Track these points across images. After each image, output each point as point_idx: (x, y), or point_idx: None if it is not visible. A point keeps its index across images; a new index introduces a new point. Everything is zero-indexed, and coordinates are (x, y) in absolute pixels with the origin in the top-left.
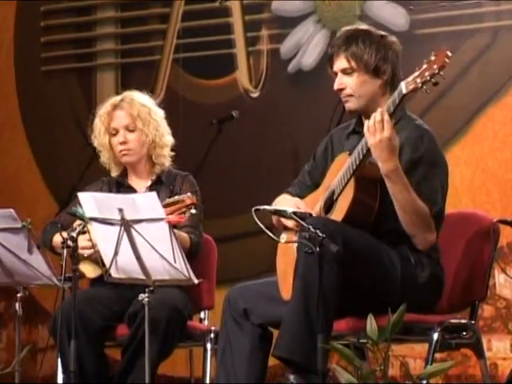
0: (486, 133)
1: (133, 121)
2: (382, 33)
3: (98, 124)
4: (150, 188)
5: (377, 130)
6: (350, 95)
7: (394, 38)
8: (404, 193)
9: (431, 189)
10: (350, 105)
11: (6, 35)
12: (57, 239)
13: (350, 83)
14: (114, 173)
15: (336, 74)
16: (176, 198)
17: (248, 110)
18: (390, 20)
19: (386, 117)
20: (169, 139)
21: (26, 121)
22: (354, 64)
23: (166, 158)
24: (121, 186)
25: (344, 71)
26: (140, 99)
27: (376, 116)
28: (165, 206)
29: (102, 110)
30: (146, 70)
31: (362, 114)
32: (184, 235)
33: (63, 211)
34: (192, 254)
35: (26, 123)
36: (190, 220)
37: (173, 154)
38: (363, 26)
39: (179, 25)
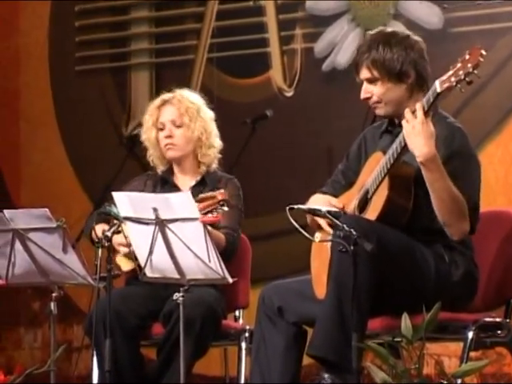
0: None
1: (180, 116)
2: (406, 33)
3: (147, 118)
4: (194, 188)
5: (410, 119)
6: (378, 102)
7: (417, 38)
8: (441, 181)
9: (467, 182)
10: (379, 111)
11: (41, 35)
12: (98, 230)
13: (375, 91)
14: (160, 169)
15: (362, 81)
16: (209, 193)
17: (282, 108)
18: (424, 18)
19: (420, 109)
20: (217, 141)
21: (60, 120)
22: (376, 73)
23: (211, 158)
24: (166, 182)
25: (368, 80)
26: (190, 97)
27: (411, 109)
28: (197, 201)
29: (152, 106)
30: (180, 70)
31: (394, 117)
32: (220, 235)
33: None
34: (227, 254)
35: (61, 122)
36: (229, 220)
37: (220, 156)
38: (389, 28)
39: (213, 24)
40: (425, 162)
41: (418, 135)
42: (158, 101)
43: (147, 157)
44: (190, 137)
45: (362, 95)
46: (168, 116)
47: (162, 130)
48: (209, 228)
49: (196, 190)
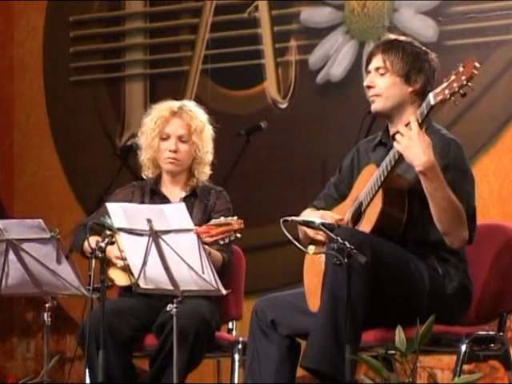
0: None
1: (188, 133)
2: (425, 48)
3: (152, 125)
4: (185, 199)
5: (405, 133)
6: (378, 95)
7: (434, 56)
8: (441, 189)
9: (464, 192)
10: (377, 105)
11: (36, 45)
12: (87, 245)
13: (380, 83)
14: (149, 174)
15: (370, 72)
16: (223, 219)
17: (276, 120)
18: (419, 31)
19: (414, 121)
20: (210, 158)
21: (54, 130)
22: (388, 65)
23: (206, 175)
24: (154, 193)
25: (377, 70)
26: (198, 113)
27: (406, 119)
28: (212, 226)
29: (159, 113)
30: (175, 81)
31: (387, 119)
32: (216, 253)
33: (94, 214)
34: (223, 271)
35: (55, 132)
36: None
37: (211, 172)
38: (409, 38)
39: (208, 35)
40: (424, 170)
41: (415, 145)
42: (165, 109)
43: (138, 157)
44: (193, 154)
45: (366, 83)
46: (176, 129)
47: (165, 140)
48: (207, 248)
49: (187, 202)
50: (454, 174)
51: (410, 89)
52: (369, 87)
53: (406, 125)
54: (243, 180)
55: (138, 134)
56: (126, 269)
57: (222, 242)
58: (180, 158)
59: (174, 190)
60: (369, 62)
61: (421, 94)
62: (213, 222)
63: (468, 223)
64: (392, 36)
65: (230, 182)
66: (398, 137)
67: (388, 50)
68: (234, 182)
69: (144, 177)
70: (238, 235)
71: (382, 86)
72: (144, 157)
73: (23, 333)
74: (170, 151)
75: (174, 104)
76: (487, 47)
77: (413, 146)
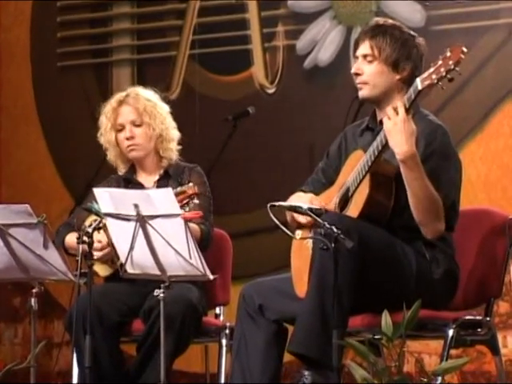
0: (501, 129)
1: (139, 115)
2: (412, 33)
3: (104, 121)
4: (159, 182)
5: (392, 116)
6: (365, 82)
7: (421, 40)
8: (419, 180)
9: (444, 181)
10: (364, 92)
11: (23, 31)
12: (70, 239)
13: (367, 70)
14: (122, 170)
15: (357, 58)
16: (179, 189)
17: (264, 105)
18: (406, 16)
19: (401, 106)
20: (175, 133)
21: (42, 116)
22: (376, 52)
23: (173, 151)
24: (129, 182)
25: (365, 57)
26: (145, 94)
27: (393, 105)
28: None
29: (108, 107)
30: (162, 66)
31: (375, 105)
32: (194, 226)
33: (75, 211)
34: (203, 244)
35: (42, 118)
36: (199, 209)
37: (179, 147)
38: (397, 22)
39: (195, 20)
40: (404, 159)
41: (399, 133)
42: (113, 102)
43: (107, 158)
44: (151, 134)
45: (353, 70)
46: (127, 116)
47: (121, 131)
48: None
49: (161, 184)
50: (438, 162)
51: (398, 76)
52: (356, 74)
53: (395, 109)
54: (230, 165)
55: (98, 135)
56: (104, 259)
57: (183, 211)
58: (139, 142)
59: (147, 177)
60: (356, 47)
61: (408, 81)
62: None
63: (446, 214)
64: (380, 20)
65: (218, 167)
66: (384, 119)
67: (376, 36)
68: (221, 168)
69: (119, 173)
70: (196, 201)
71: (370, 73)
72: (110, 155)
73: (10, 318)
74: (127, 139)
75: (121, 94)
76: (475, 32)
77: (396, 133)
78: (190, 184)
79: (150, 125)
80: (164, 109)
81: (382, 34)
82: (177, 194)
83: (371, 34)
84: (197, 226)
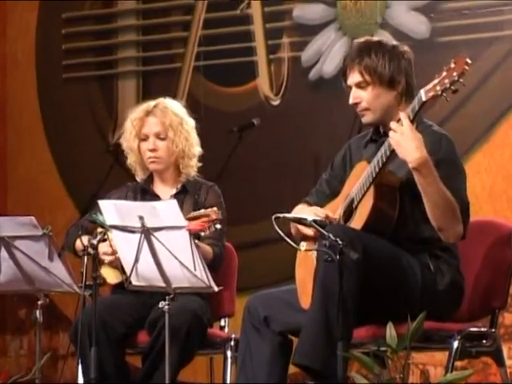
0: (507, 140)
1: (164, 129)
2: (394, 43)
3: (129, 127)
4: (175, 196)
5: (397, 128)
6: (366, 109)
7: (405, 47)
8: (434, 185)
9: (457, 187)
10: (367, 118)
11: (28, 42)
12: (79, 243)
13: (365, 97)
14: (140, 176)
15: (350, 87)
16: (202, 211)
17: (269, 117)
18: (411, 28)
19: (405, 117)
20: (197, 149)
21: (47, 127)
22: (367, 77)
23: (192, 168)
24: (146, 192)
25: (358, 85)
26: (173, 108)
27: (392, 123)
28: (190, 219)
29: (135, 115)
30: (167, 78)
31: (380, 124)
32: (206, 247)
33: (87, 214)
34: (214, 266)
35: (48, 130)
36: (213, 232)
37: (200, 164)
38: (375, 38)
39: (200, 32)
40: (418, 166)
41: (408, 141)
42: (140, 111)
43: (127, 163)
44: (173, 150)
45: (351, 100)
46: (152, 128)
47: (144, 140)
48: (197, 242)
49: (177, 198)
50: (446, 170)
51: (395, 92)
52: (355, 104)
53: (398, 121)
54: (236, 177)
55: (121, 139)
56: (115, 264)
57: (202, 234)
58: (160, 156)
59: (164, 188)
60: (345, 75)
61: (405, 93)
62: (191, 214)
63: (462, 217)
64: (360, 41)
65: (223, 178)
66: (390, 133)
67: (362, 60)
68: (226, 179)
69: (137, 179)
70: (218, 226)
71: (368, 99)
72: (130, 160)
73: (16, 330)
74: (149, 151)
75: (149, 104)
76: (479, 44)
77: (405, 142)
78: (214, 208)
79: (173, 140)
80: (190, 124)
81: (367, 56)
82: (199, 217)
83: (358, 60)
84: (209, 247)
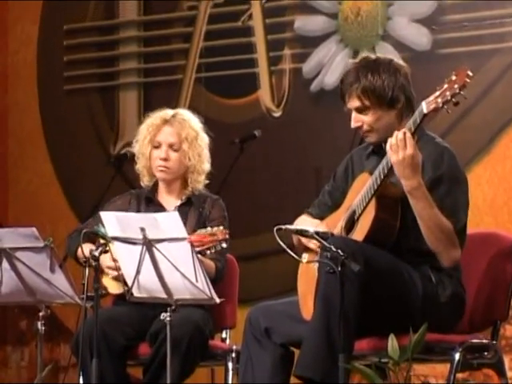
0: (508, 152)
1: (179, 141)
2: (389, 57)
3: (144, 132)
4: (179, 208)
5: (399, 148)
6: (369, 131)
7: (401, 62)
8: (428, 209)
9: (454, 205)
10: (371, 139)
11: (30, 53)
12: (85, 249)
13: (366, 120)
14: (146, 182)
15: (351, 110)
16: (209, 230)
17: (270, 129)
18: (413, 39)
19: (408, 135)
20: (207, 167)
21: (48, 139)
22: (366, 102)
23: (200, 184)
24: (150, 201)
25: (358, 109)
26: (191, 121)
27: (398, 134)
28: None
29: (152, 120)
30: (169, 89)
31: (385, 142)
32: (210, 262)
33: (89, 219)
34: (216, 280)
35: (49, 141)
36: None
37: (207, 182)
38: (371, 56)
39: (202, 44)
40: (411, 190)
41: (406, 167)
42: (158, 118)
43: (135, 166)
44: (185, 163)
45: (353, 124)
46: (167, 137)
47: (157, 148)
48: (200, 257)
49: (182, 210)
50: (448, 187)
51: (396, 111)
52: (357, 128)
53: (402, 140)
54: (237, 188)
55: (133, 142)
56: (119, 279)
57: (208, 252)
58: (171, 167)
59: (169, 199)
60: (343, 98)
61: (406, 107)
62: (198, 232)
63: (458, 239)
64: (355, 60)
65: (224, 190)
66: (389, 151)
67: (359, 84)
68: (227, 190)
69: (142, 185)
70: (224, 245)
71: (370, 122)
72: (139, 165)
73: (17, 341)
74: (160, 159)
75: (168, 112)
76: (481, 56)
77: (404, 168)
78: (221, 227)
79: (186, 154)
80: (204, 140)
81: (364, 78)
82: (206, 235)
83: (355, 84)
84: (212, 262)
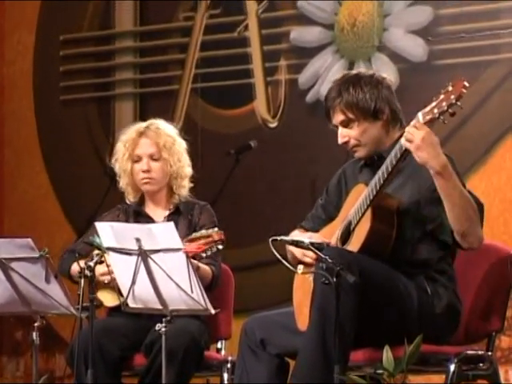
0: (504, 163)
1: (158, 150)
2: (371, 72)
3: (122, 149)
4: (168, 218)
5: (414, 134)
6: (357, 145)
7: (383, 75)
8: (457, 188)
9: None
10: (360, 154)
11: (26, 64)
12: (75, 268)
13: (352, 134)
14: (131, 199)
15: (337, 126)
16: (204, 232)
17: (266, 139)
18: (409, 50)
19: (417, 122)
20: (188, 170)
21: (44, 149)
22: (350, 115)
23: (185, 188)
24: (138, 214)
25: (343, 124)
26: (166, 129)
27: (407, 128)
28: (191, 241)
29: (127, 136)
30: (165, 100)
31: (374, 155)
32: (207, 268)
33: (80, 239)
34: (213, 285)
35: (45, 151)
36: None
37: (191, 185)
38: (352, 71)
39: (198, 54)
40: (441, 170)
41: (430, 146)
42: (132, 132)
43: (119, 185)
44: (167, 170)
45: (340, 140)
46: (146, 149)
47: (137, 162)
48: (196, 263)
49: (171, 220)
50: (455, 169)
51: (381, 122)
52: (345, 143)
53: (415, 126)
54: (233, 199)
55: (112, 161)
56: (112, 285)
57: (204, 255)
58: (154, 177)
59: (157, 210)
60: (328, 115)
61: (392, 118)
62: (193, 235)
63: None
64: (337, 78)
65: (220, 200)
66: (406, 136)
67: (342, 98)
68: (223, 201)
69: (128, 202)
70: (220, 246)
71: (356, 136)
72: (122, 183)
73: (12, 351)
74: (143, 172)
75: (141, 125)
76: (477, 67)
77: (428, 146)
78: (216, 229)
79: (167, 161)
80: (182, 145)
81: (346, 92)
82: (201, 238)
83: (338, 99)
84: (208, 267)
